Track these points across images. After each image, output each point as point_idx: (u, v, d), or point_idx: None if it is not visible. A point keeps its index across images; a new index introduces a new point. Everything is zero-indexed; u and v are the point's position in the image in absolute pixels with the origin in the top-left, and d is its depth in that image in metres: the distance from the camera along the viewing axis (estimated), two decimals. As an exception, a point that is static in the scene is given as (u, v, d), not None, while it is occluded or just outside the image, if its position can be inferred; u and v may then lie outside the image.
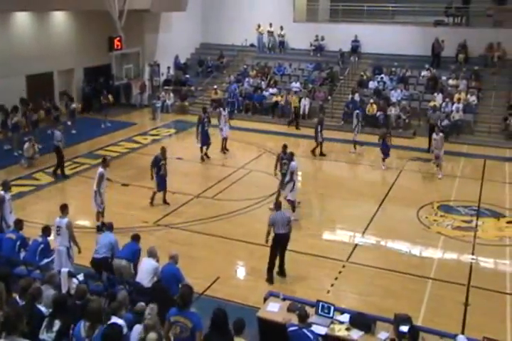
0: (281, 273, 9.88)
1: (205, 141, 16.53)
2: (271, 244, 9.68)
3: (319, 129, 16.95)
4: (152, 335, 5.77)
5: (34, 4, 16.38)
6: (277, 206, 9.95)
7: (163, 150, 12.95)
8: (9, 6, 15.83)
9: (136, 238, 8.97)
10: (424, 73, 22.53)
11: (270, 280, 9.68)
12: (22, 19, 19.57)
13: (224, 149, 17.48)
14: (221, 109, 17.58)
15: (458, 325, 8.35)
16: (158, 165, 12.75)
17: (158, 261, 8.37)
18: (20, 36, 19.50)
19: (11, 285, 6.71)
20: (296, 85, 22.99)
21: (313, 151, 17.40)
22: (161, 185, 12.90)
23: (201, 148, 16.61)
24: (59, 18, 21.29)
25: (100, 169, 11.71)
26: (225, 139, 17.45)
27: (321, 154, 17.44)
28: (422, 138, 19.59)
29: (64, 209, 9.35)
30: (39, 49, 20.03)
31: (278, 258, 9.75)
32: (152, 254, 8.37)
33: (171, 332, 6.20)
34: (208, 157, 16.77)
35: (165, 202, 13.13)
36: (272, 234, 9.61)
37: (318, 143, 17.16)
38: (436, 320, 8.23)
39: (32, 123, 17.75)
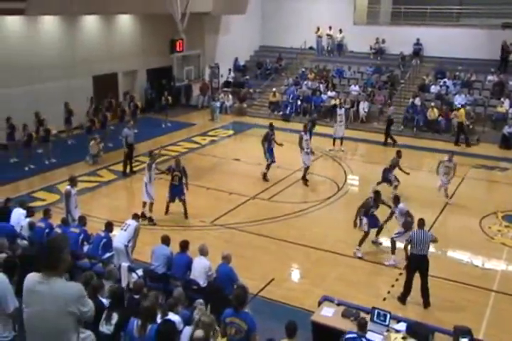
0: (425, 303, 8.95)
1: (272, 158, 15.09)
2: (406, 265, 9.20)
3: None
4: (199, 332, 5.83)
5: (101, 7, 16.96)
6: (421, 224, 9.13)
7: (177, 161, 12.61)
8: (78, 9, 16.45)
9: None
10: (490, 78, 21.75)
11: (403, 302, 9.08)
12: (89, 22, 20.35)
13: (304, 179, 14.96)
14: (302, 133, 14.79)
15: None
16: (172, 176, 12.39)
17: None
18: (88, 39, 20.28)
19: (75, 277, 6.96)
20: (355, 88, 22.73)
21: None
22: (171, 194, 12.41)
23: (268, 166, 15.14)
24: (124, 21, 22.00)
25: (148, 162, 12.28)
26: (306, 168, 14.97)
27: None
28: (486, 145, 18.94)
29: (137, 216, 9.78)
30: (105, 51, 20.77)
31: (420, 285, 8.96)
32: (203, 252, 8.43)
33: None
34: (265, 178, 15.16)
35: (166, 210, 12.61)
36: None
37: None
38: (498, 335, 7.91)
39: (100, 122, 18.47)
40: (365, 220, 10.71)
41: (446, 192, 13.60)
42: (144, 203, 12.24)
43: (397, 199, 10.74)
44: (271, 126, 15.39)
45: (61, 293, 3.74)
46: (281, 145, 15.13)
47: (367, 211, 10.68)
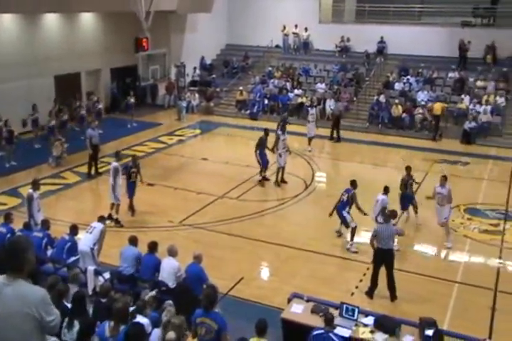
0: (392, 296, 9.08)
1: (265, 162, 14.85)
2: (373, 260, 9.26)
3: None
4: (171, 334, 5.80)
5: (63, 6, 16.61)
6: (387, 216, 9.34)
7: (134, 158, 12.72)
8: (39, 8, 16.11)
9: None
10: (451, 74, 22.26)
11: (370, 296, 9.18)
12: (51, 20, 19.93)
13: (281, 181, 14.83)
14: (280, 132, 14.80)
15: (485, 330, 8.20)
16: (129, 173, 12.29)
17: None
18: (49, 37, 19.86)
19: (38, 282, 6.82)
20: (321, 86, 22.92)
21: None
22: (130, 192, 12.39)
23: (263, 170, 14.90)
24: (87, 19, 21.62)
25: (114, 163, 12.09)
26: (282, 169, 14.83)
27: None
28: (448, 140, 19.40)
29: (103, 218, 9.62)
30: (67, 50, 20.36)
31: (386, 279, 9.07)
32: (172, 253, 8.35)
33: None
34: (266, 179, 14.98)
35: (131, 208, 12.61)
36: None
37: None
38: (462, 324, 8.07)
39: (61, 123, 18.10)
40: (349, 217, 10.90)
41: (447, 228, 11.39)
42: (112, 204, 12.10)
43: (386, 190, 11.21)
44: (266, 131, 14.87)
45: (25, 296, 3.65)
46: (272, 151, 14.74)
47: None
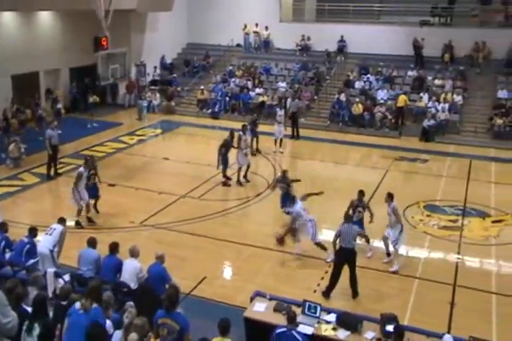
0: (354, 293, 9.19)
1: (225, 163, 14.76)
2: (335, 260, 9.26)
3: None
4: (133, 336, 5.75)
5: (20, 4, 16.24)
6: (347, 218, 9.41)
7: (92, 159, 12.55)
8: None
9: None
10: (410, 73, 22.70)
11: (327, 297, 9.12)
12: (7, 19, 19.40)
13: (244, 178, 14.95)
14: (241, 133, 14.75)
15: (444, 325, 8.40)
16: (88, 175, 12.05)
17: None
18: (5, 36, 19.31)
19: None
20: (282, 85, 23.04)
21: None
22: (91, 193, 12.12)
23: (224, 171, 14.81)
24: (45, 17, 21.12)
25: (81, 168, 11.89)
26: (246, 167, 14.95)
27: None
28: (407, 138, 19.80)
29: (63, 220, 9.36)
30: (25, 49, 19.84)
31: (349, 276, 9.13)
32: (134, 254, 8.27)
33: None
34: (228, 178, 14.86)
35: (95, 208, 12.51)
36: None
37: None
38: (422, 319, 8.25)
39: (19, 123, 17.69)
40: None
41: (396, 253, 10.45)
42: (79, 211, 11.86)
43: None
44: (232, 133, 14.74)
45: None
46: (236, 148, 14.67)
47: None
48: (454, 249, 11.26)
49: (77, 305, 6.16)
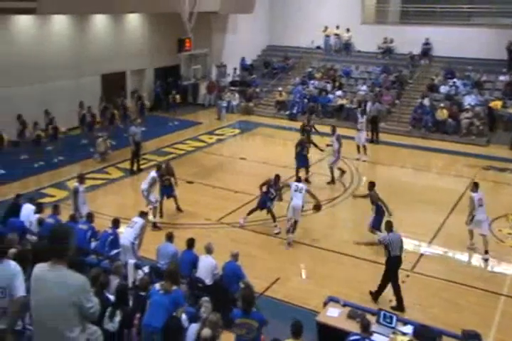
0: (376, 297, 9.05)
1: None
2: (386, 268, 8.99)
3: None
4: (206, 331, 5.84)
5: (111, 7, 17.02)
6: (390, 227, 9.17)
7: (167, 166, 12.75)
8: (87, 9, 16.53)
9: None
10: (502, 78, 21.50)
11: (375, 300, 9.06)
12: (98, 21, 20.41)
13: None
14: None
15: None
16: (161, 180, 12.29)
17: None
18: (96, 37, 20.34)
19: (82, 273, 6.96)
20: (362, 88, 22.64)
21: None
22: (166, 193, 12.51)
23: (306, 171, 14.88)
24: (132, 20, 22.03)
25: (154, 174, 12.06)
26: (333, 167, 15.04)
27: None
28: (496, 146, 18.79)
29: (144, 214, 9.73)
30: (114, 49, 20.84)
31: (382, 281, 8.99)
32: (209, 251, 8.47)
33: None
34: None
35: (177, 208, 12.85)
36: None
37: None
38: (508, 340, 7.78)
39: (107, 120, 18.62)
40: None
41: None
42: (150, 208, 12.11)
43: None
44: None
45: (67, 282, 3.79)
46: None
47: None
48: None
49: (157, 286, 6.39)
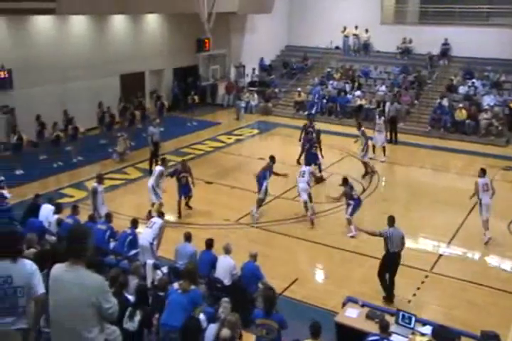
0: (389, 296, 9.03)
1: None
2: (381, 263, 9.07)
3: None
4: (226, 332, 5.89)
5: (130, 7, 17.16)
6: (392, 222, 9.11)
7: (183, 163, 12.88)
8: (106, 9, 16.72)
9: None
10: (522, 78, 21.27)
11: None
12: (117, 21, 20.60)
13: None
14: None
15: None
16: (178, 177, 12.49)
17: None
18: (115, 38, 20.56)
19: (101, 273, 7.06)
20: (381, 89, 22.53)
21: None
22: (183, 192, 12.64)
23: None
24: (151, 20, 22.18)
25: (160, 167, 12.28)
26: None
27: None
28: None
29: (162, 214, 9.88)
30: (133, 50, 21.00)
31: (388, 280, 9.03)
32: (228, 251, 8.52)
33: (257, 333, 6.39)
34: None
35: (187, 206, 12.99)
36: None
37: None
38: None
39: (127, 120, 18.80)
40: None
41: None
42: (153, 204, 12.23)
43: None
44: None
45: (85, 282, 3.82)
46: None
47: None
48: None
49: (176, 285, 6.46)
